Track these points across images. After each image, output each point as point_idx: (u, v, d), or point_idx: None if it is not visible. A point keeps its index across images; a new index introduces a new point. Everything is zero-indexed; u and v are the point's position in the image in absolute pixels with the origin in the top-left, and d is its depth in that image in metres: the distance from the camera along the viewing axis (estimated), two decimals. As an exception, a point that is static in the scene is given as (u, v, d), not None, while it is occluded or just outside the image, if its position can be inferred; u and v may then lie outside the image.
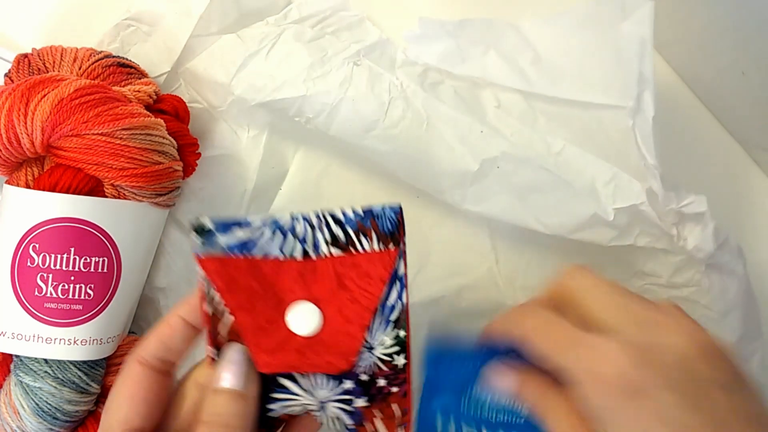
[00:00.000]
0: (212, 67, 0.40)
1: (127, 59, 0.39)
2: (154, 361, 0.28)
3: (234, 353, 0.27)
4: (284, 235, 0.27)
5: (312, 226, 0.27)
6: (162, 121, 0.37)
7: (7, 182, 0.36)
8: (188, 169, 0.40)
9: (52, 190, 0.35)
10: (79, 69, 0.37)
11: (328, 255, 0.28)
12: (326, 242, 0.27)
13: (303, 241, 0.27)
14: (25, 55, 0.38)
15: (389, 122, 0.39)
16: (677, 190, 0.37)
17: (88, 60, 0.38)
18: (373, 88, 0.40)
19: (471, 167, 0.39)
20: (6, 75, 0.38)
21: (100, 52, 0.39)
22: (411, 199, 0.43)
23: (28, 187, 0.35)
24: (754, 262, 0.41)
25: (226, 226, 0.27)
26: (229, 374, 0.27)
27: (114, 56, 0.39)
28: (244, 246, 0.27)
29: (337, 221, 0.27)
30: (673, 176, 0.37)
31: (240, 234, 0.27)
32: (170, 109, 0.39)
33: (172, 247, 0.42)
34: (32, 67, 0.37)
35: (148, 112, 0.37)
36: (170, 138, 0.38)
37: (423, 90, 0.40)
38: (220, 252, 0.27)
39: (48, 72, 0.37)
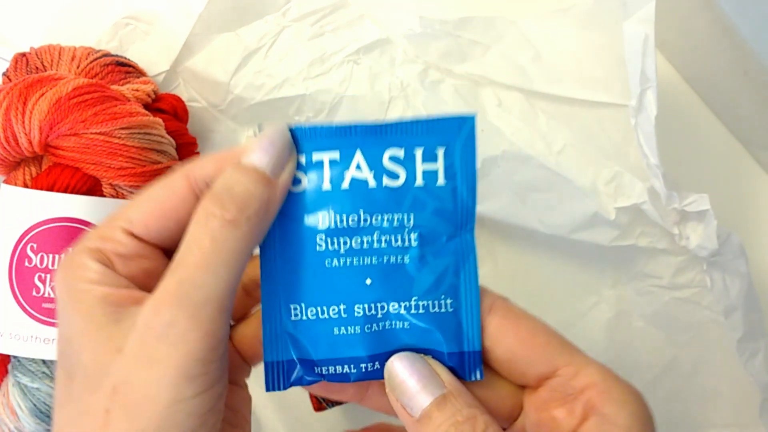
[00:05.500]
0: (211, 66, 0.40)
1: (125, 58, 0.39)
2: (202, 187, 0.23)
3: (273, 131, 0.23)
4: None
5: None
6: (161, 120, 0.37)
7: (5, 182, 0.36)
8: (187, 169, 0.40)
9: (50, 189, 0.35)
10: (77, 68, 0.37)
11: None
12: None
13: None
14: (23, 54, 0.37)
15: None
16: (679, 190, 0.36)
17: (87, 59, 0.37)
18: (373, 86, 0.39)
19: (471, 166, 0.38)
20: (4, 74, 0.37)
21: (99, 50, 0.39)
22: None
23: (25, 186, 0.35)
24: (757, 260, 0.40)
25: None
26: (261, 151, 0.22)
27: (112, 55, 0.39)
28: None
29: None
30: (675, 175, 0.37)
31: None
32: (169, 108, 0.39)
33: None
34: (30, 66, 0.37)
35: (146, 111, 0.37)
36: (169, 137, 0.37)
37: (423, 88, 0.40)
38: None
39: (46, 71, 0.37)
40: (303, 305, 0.23)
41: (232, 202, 0.21)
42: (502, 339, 0.23)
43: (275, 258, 0.24)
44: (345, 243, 0.23)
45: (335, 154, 0.23)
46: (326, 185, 0.23)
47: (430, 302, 0.23)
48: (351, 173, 0.23)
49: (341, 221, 0.23)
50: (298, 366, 0.24)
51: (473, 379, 0.24)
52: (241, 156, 0.23)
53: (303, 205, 0.23)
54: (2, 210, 0.35)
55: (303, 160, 0.23)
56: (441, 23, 0.40)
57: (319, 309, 0.23)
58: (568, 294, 0.42)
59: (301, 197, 0.23)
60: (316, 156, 0.23)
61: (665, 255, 0.39)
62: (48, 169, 0.35)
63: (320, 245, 0.23)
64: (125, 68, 0.39)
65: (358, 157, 0.23)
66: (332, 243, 0.23)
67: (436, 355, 0.24)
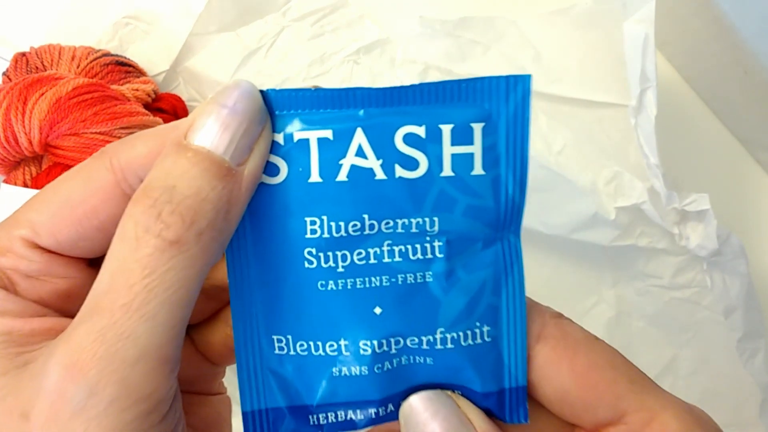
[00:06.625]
0: (211, 66, 0.40)
1: (125, 58, 0.39)
2: (132, 180, 0.16)
3: (235, 91, 0.16)
4: None
5: None
6: (161, 120, 0.37)
7: (5, 181, 0.36)
8: (187, 169, 0.40)
9: (50, 189, 0.35)
10: (77, 67, 0.37)
11: None
12: None
13: None
14: (23, 54, 0.37)
15: (389, 121, 0.39)
16: (679, 190, 0.36)
17: (87, 58, 0.37)
18: (373, 86, 0.39)
19: (472, 166, 0.38)
20: (4, 74, 0.37)
21: (99, 50, 0.39)
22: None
23: (25, 186, 0.35)
24: (757, 260, 0.40)
25: None
26: (216, 125, 0.15)
27: (112, 55, 0.39)
28: None
29: None
30: (675, 175, 0.37)
31: None
32: (169, 108, 0.39)
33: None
34: (30, 66, 0.37)
35: (146, 111, 0.37)
36: (169, 137, 0.37)
37: (423, 88, 0.40)
38: None
39: (46, 71, 0.37)
40: (289, 338, 0.18)
41: (174, 211, 0.14)
42: (553, 374, 0.18)
43: (249, 272, 0.18)
44: (344, 258, 0.17)
45: (326, 132, 0.17)
46: (315, 176, 0.17)
47: (461, 333, 0.18)
48: (350, 160, 0.17)
49: (338, 229, 0.17)
50: (288, 416, 0.18)
51: (516, 421, 0.18)
52: (186, 132, 0.15)
53: (283, 204, 0.17)
54: (2, 210, 0.35)
55: (280, 139, 0.17)
56: (441, 23, 0.40)
57: (311, 344, 0.18)
58: (568, 294, 0.42)
59: (280, 193, 0.17)
60: (300, 134, 0.17)
61: (665, 255, 0.39)
62: (48, 169, 0.35)
63: (310, 261, 0.17)
64: (125, 68, 0.39)
65: (360, 137, 0.17)
66: (326, 259, 0.17)
67: (467, 393, 0.18)
